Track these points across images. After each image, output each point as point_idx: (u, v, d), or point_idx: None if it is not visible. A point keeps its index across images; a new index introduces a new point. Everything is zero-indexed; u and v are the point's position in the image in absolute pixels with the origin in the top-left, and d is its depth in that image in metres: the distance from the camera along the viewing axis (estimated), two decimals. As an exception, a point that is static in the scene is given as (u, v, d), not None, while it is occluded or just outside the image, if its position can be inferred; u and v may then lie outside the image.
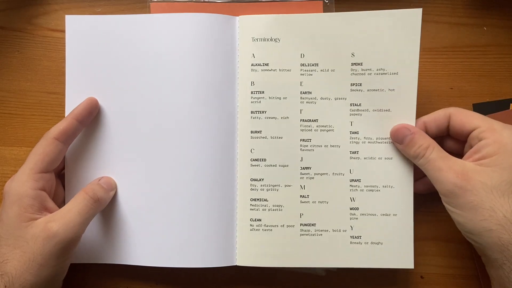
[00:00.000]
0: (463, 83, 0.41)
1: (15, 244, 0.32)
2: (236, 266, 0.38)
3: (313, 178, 0.38)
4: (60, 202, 0.38)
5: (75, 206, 0.34)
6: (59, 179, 0.38)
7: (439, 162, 0.33)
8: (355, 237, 0.38)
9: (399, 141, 0.36)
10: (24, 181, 0.34)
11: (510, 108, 0.41)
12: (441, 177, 0.33)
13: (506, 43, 0.41)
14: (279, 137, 0.38)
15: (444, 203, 0.34)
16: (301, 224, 0.38)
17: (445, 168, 0.33)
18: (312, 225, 0.38)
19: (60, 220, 0.33)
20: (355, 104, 0.38)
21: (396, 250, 0.37)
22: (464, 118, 0.35)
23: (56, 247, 0.32)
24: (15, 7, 0.42)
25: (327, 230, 0.38)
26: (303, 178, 0.38)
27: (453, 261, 0.40)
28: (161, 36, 0.38)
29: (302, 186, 0.38)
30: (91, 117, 0.37)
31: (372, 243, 0.38)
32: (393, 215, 0.37)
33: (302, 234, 0.38)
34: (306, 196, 0.38)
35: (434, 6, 0.42)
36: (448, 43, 0.41)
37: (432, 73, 0.41)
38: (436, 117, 0.36)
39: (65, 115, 0.37)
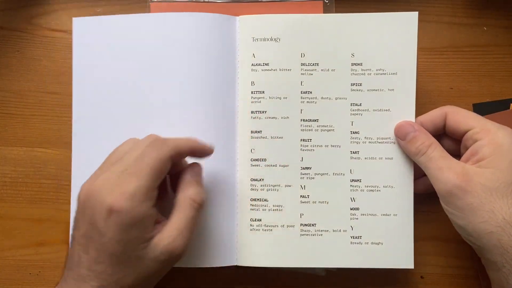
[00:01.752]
0: (463, 83, 0.41)
1: (130, 264, 0.29)
2: (236, 266, 0.38)
3: (313, 178, 0.38)
4: None
5: (188, 220, 0.31)
6: None
7: (440, 161, 0.33)
8: (356, 237, 0.38)
9: (402, 137, 0.36)
10: (143, 201, 0.29)
11: (510, 108, 0.41)
12: (441, 177, 0.33)
13: (506, 43, 0.41)
14: (279, 137, 0.38)
15: (443, 205, 0.34)
16: (301, 224, 0.38)
17: (445, 168, 0.33)
18: (313, 225, 0.38)
19: (180, 240, 0.30)
20: (356, 104, 0.38)
21: (396, 250, 0.37)
22: (459, 118, 0.35)
23: (173, 265, 0.32)
24: (15, 7, 0.42)
25: (328, 230, 0.38)
26: (303, 178, 0.38)
27: (453, 261, 0.40)
28: (161, 35, 0.38)
29: (303, 186, 0.38)
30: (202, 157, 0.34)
31: (372, 243, 0.37)
32: (394, 215, 0.37)
33: (302, 234, 0.38)
34: (306, 196, 0.38)
35: (434, 6, 0.42)
36: (448, 43, 0.41)
37: (432, 73, 0.41)
38: (433, 117, 0.36)
39: (73, 117, 0.38)
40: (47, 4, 0.42)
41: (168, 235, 0.30)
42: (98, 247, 0.29)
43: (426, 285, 0.40)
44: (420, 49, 0.37)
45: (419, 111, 0.37)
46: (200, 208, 0.32)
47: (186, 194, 0.32)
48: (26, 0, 0.42)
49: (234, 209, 0.38)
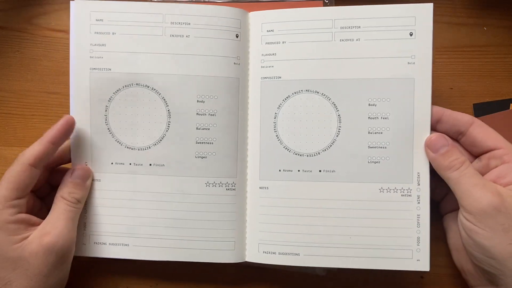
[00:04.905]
0: (463, 83, 0.41)
1: (14, 265, 0.32)
2: (237, 265, 0.38)
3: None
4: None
5: (61, 214, 0.34)
6: (38, 198, 0.37)
7: (475, 178, 0.33)
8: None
9: (434, 149, 0.35)
10: (1, 209, 0.33)
11: (510, 108, 0.41)
12: (476, 194, 0.32)
13: (506, 43, 0.41)
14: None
15: (470, 224, 0.33)
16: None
17: (481, 185, 0.32)
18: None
19: (53, 231, 0.33)
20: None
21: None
22: (486, 134, 0.34)
23: (57, 256, 0.33)
24: (15, 7, 0.42)
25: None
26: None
27: (453, 261, 0.40)
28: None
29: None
30: (66, 138, 0.36)
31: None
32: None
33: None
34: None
35: (434, 6, 0.42)
36: (448, 43, 0.41)
37: (432, 73, 0.41)
38: (457, 119, 0.35)
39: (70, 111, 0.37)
40: (47, 4, 0.42)
41: (41, 229, 0.34)
42: None
43: (426, 285, 0.40)
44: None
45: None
46: (73, 205, 0.35)
47: (58, 193, 0.35)
48: (26, 0, 0.42)
49: (244, 205, 0.38)
